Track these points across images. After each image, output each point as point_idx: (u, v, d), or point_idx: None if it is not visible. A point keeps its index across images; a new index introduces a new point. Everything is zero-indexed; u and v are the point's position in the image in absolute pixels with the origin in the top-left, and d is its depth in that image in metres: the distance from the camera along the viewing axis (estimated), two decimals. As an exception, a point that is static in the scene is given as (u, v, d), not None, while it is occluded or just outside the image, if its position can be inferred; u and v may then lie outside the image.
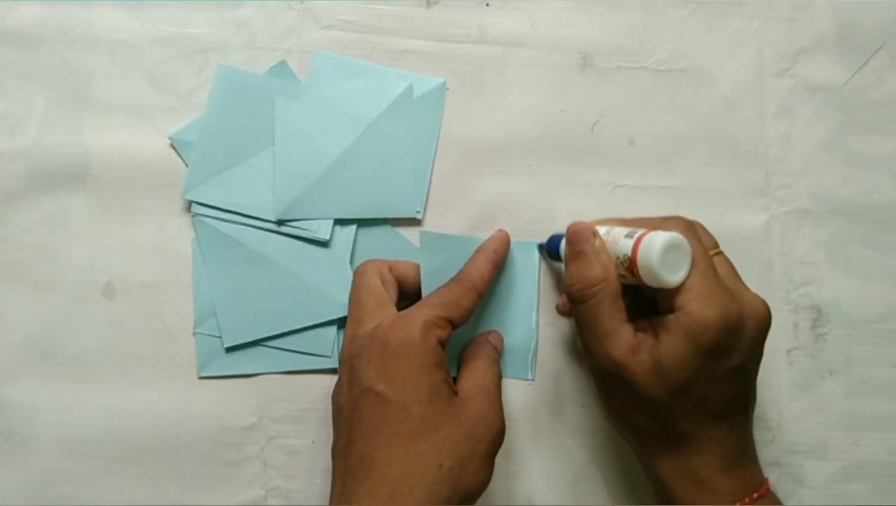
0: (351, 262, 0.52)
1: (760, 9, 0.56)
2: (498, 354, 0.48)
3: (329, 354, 0.51)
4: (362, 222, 0.52)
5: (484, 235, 0.51)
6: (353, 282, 0.47)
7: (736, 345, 0.41)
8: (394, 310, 0.45)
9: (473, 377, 0.44)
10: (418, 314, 0.42)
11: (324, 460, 0.51)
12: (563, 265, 0.49)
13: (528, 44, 0.55)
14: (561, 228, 0.49)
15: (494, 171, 0.54)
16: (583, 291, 0.43)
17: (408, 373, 0.40)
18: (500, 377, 0.45)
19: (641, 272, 0.41)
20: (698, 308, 0.40)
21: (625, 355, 0.41)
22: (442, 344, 0.42)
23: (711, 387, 0.41)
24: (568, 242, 0.46)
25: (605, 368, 0.42)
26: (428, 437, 0.39)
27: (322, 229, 0.51)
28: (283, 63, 0.53)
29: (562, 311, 0.51)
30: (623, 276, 0.44)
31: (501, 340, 0.50)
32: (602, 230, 0.45)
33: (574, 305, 0.44)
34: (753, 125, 0.55)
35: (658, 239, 0.41)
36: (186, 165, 0.52)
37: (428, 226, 0.53)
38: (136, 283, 0.52)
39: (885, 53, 0.55)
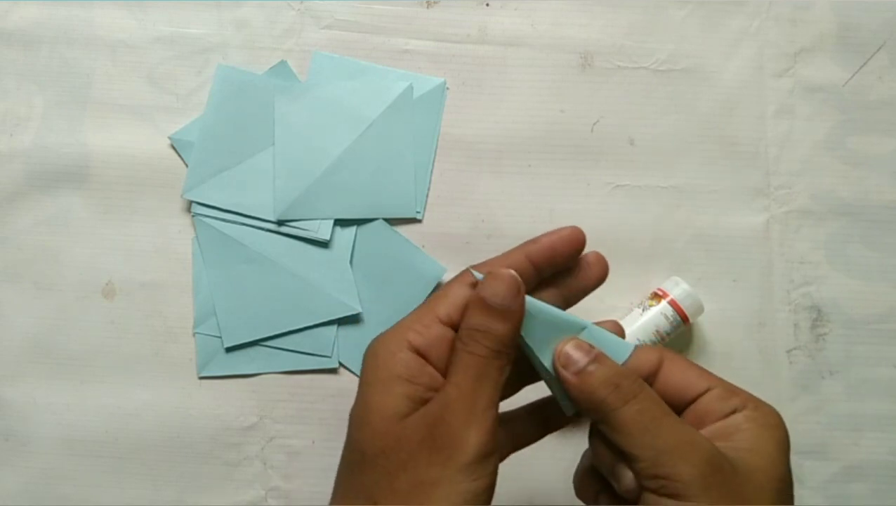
0: (351, 262, 0.52)
1: (760, 9, 0.56)
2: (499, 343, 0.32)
3: (329, 354, 0.51)
4: (362, 222, 0.52)
5: (484, 234, 0.51)
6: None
7: None
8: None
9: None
10: (397, 323, 0.33)
11: (324, 460, 0.51)
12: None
13: (529, 44, 0.55)
14: (559, 226, 0.49)
15: (494, 171, 0.54)
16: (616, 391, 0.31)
17: (361, 390, 0.32)
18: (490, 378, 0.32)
19: (689, 310, 0.50)
20: (757, 403, 0.32)
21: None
22: (421, 350, 0.32)
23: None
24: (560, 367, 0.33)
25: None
26: (363, 467, 0.31)
27: (322, 229, 0.51)
28: (282, 63, 0.53)
29: (627, 488, 0.31)
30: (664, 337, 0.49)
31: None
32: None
33: (602, 419, 0.31)
34: (753, 125, 0.55)
35: (677, 282, 0.51)
36: (186, 165, 0.52)
37: (428, 226, 0.53)
38: (136, 283, 0.52)
39: (884, 53, 0.55)
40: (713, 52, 0.55)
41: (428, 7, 0.55)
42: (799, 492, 0.52)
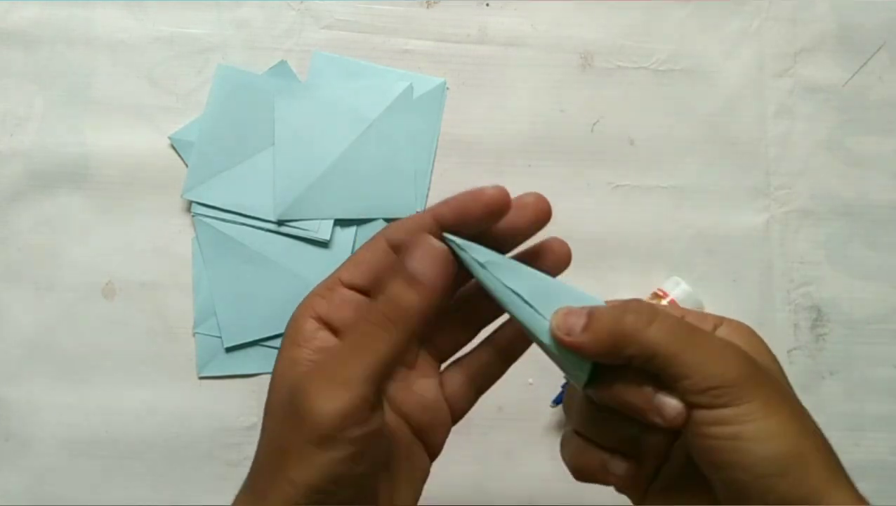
0: (351, 262, 0.52)
1: (760, 9, 0.55)
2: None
3: (329, 355, 0.51)
4: (362, 222, 0.52)
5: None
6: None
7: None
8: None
9: None
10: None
11: (324, 460, 0.51)
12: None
13: (529, 44, 0.55)
14: (559, 226, 0.48)
15: (494, 171, 0.54)
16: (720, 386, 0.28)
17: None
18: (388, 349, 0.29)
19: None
20: (727, 319, 0.33)
21: None
22: (324, 317, 0.31)
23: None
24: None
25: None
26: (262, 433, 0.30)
27: (322, 230, 0.51)
28: (282, 63, 0.53)
29: (674, 416, 0.29)
30: None
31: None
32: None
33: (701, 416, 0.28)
34: (753, 125, 0.55)
35: (677, 283, 0.52)
36: (186, 165, 0.52)
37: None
38: (136, 283, 0.52)
39: (884, 53, 0.55)
40: (713, 52, 0.55)
41: (428, 7, 0.55)
42: (799, 492, 0.52)
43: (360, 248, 0.31)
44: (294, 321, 0.31)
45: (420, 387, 0.33)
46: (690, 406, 0.28)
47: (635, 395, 0.30)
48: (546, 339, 0.30)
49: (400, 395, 0.32)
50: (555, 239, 0.34)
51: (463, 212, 0.31)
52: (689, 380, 0.28)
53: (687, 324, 0.30)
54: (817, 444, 0.29)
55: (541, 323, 0.30)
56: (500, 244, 0.33)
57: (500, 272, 0.31)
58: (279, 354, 0.31)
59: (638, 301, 0.30)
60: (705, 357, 0.28)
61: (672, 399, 0.29)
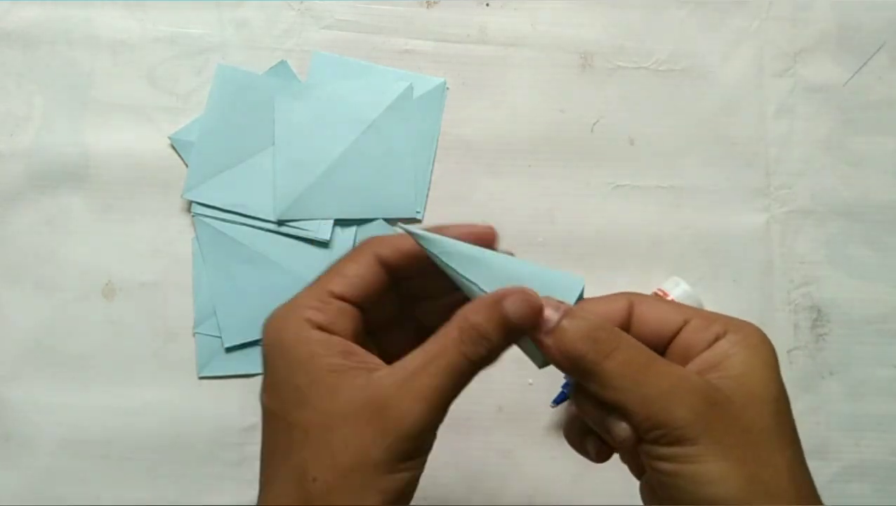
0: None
1: (760, 9, 0.55)
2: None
3: (329, 355, 0.51)
4: (362, 222, 0.52)
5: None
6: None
7: None
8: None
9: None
10: (288, 302, 0.32)
11: (324, 460, 0.51)
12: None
13: (529, 44, 0.55)
14: (559, 226, 0.49)
15: (494, 171, 0.54)
16: (595, 343, 0.29)
17: (281, 375, 0.31)
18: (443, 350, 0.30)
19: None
20: (739, 325, 0.31)
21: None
22: (325, 327, 0.31)
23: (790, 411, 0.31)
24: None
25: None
26: (304, 445, 0.30)
27: (322, 230, 0.51)
28: (282, 63, 0.53)
29: (622, 440, 0.30)
30: None
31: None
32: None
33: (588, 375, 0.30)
34: (753, 125, 0.55)
35: (677, 283, 0.51)
36: (186, 165, 0.52)
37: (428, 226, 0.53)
38: (136, 283, 0.52)
39: (884, 53, 0.55)
40: (713, 52, 0.55)
41: (428, 7, 0.55)
42: (799, 492, 0.52)
43: (346, 259, 0.32)
44: (297, 336, 0.30)
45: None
46: (640, 438, 0.28)
47: (588, 409, 0.30)
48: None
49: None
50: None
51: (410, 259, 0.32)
52: (633, 417, 0.28)
53: (645, 357, 0.29)
54: (769, 491, 0.28)
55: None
56: None
57: (458, 261, 0.31)
58: (299, 370, 0.30)
59: (603, 327, 0.30)
60: (655, 396, 0.28)
61: (622, 423, 0.29)
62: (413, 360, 0.29)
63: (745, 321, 0.32)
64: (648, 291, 0.52)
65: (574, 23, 0.55)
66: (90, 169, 0.52)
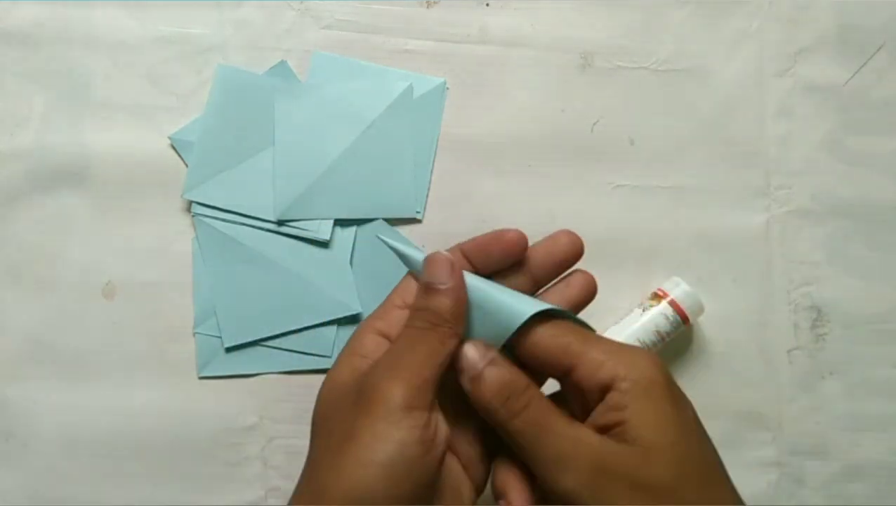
0: (351, 262, 0.52)
1: (760, 8, 0.55)
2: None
3: (329, 354, 0.51)
4: (362, 222, 0.52)
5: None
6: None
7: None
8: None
9: None
10: None
11: (324, 460, 0.51)
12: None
13: (529, 44, 0.55)
14: (560, 226, 0.48)
15: (494, 171, 0.54)
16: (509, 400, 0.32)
17: None
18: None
19: (689, 310, 0.50)
20: (628, 366, 0.31)
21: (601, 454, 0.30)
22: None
23: (702, 446, 0.31)
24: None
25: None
26: (312, 442, 0.35)
27: (322, 229, 0.51)
28: (282, 63, 0.53)
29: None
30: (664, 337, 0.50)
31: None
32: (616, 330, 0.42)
33: (505, 426, 0.32)
34: (753, 125, 0.55)
35: (677, 283, 0.51)
36: (186, 165, 0.52)
37: (428, 226, 0.53)
38: (136, 283, 0.52)
39: (884, 53, 0.55)
40: (713, 51, 0.55)
41: (428, 7, 0.55)
42: (799, 492, 0.52)
43: (404, 278, 0.37)
44: (356, 336, 0.35)
45: (468, 425, 0.36)
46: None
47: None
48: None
49: (450, 429, 0.34)
50: (581, 274, 0.39)
51: (485, 250, 0.37)
52: (536, 477, 0.31)
53: (549, 418, 0.31)
54: None
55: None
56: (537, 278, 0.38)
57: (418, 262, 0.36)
58: (337, 362, 0.35)
59: (516, 384, 0.32)
60: (551, 460, 0.30)
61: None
62: (393, 352, 0.34)
63: (633, 352, 0.32)
64: (648, 292, 0.52)
65: (574, 23, 0.55)
66: (90, 169, 0.52)
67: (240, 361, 0.51)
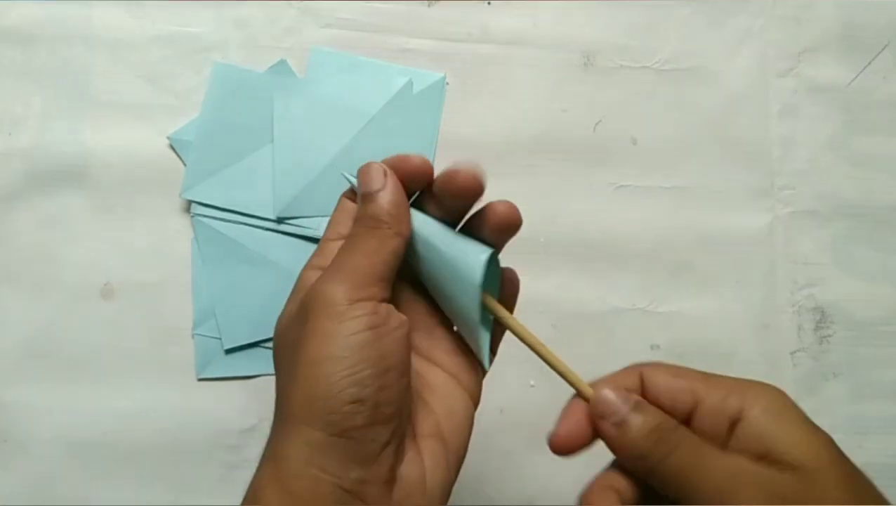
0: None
1: (764, 8, 0.55)
2: None
3: (329, 356, 0.51)
4: (362, 222, 0.52)
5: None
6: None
7: None
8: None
9: None
10: None
11: (323, 462, 0.50)
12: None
13: (530, 43, 0.54)
14: (561, 227, 0.48)
15: (495, 171, 0.53)
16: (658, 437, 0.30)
17: None
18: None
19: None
20: (754, 395, 0.31)
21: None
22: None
23: (850, 461, 0.33)
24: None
25: None
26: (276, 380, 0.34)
27: (322, 227, 0.51)
28: (282, 62, 0.53)
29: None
30: None
31: None
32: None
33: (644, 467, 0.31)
34: (757, 125, 0.54)
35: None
36: (185, 165, 0.52)
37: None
38: (135, 283, 0.52)
39: (889, 53, 0.55)
40: (716, 51, 0.55)
41: (429, 6, 0.54)
42: (803, 495, 0.52)
43: (337, 211, 0.37)
44: (298, 278, 0.35)
45: (444, 337, 0.35)
46: None
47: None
48: (469, 305, 0.33)
49: (424, 343, 0.35)
50: (500, 202, 0.36)
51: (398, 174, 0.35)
52: None
53: (704, 450, 0.30)
54: None
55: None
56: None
57: None
58: (284, 306, 0.34)
59: (667, 425, 0.30)
60: (718, 488, 0.29)
61: None
62: (334, 260, 0.34)
63: (753, 382, 0.32)
64: (650, 292, 0.52)
65: (576, 22, 0.55)
66: (89, 169, 0.52)
67: (239, 363, 0.51)
